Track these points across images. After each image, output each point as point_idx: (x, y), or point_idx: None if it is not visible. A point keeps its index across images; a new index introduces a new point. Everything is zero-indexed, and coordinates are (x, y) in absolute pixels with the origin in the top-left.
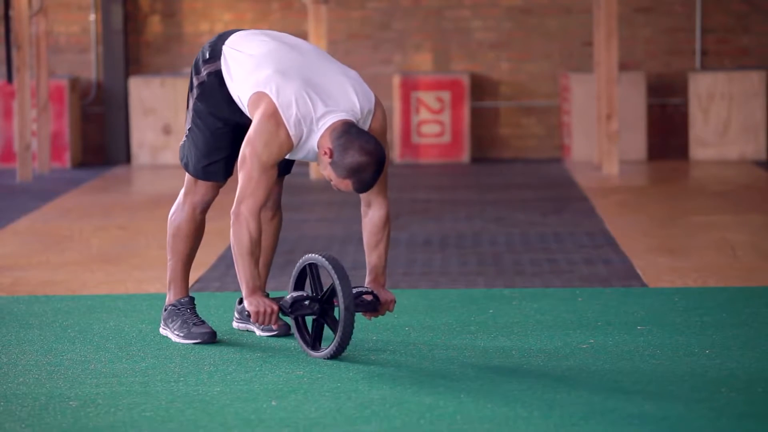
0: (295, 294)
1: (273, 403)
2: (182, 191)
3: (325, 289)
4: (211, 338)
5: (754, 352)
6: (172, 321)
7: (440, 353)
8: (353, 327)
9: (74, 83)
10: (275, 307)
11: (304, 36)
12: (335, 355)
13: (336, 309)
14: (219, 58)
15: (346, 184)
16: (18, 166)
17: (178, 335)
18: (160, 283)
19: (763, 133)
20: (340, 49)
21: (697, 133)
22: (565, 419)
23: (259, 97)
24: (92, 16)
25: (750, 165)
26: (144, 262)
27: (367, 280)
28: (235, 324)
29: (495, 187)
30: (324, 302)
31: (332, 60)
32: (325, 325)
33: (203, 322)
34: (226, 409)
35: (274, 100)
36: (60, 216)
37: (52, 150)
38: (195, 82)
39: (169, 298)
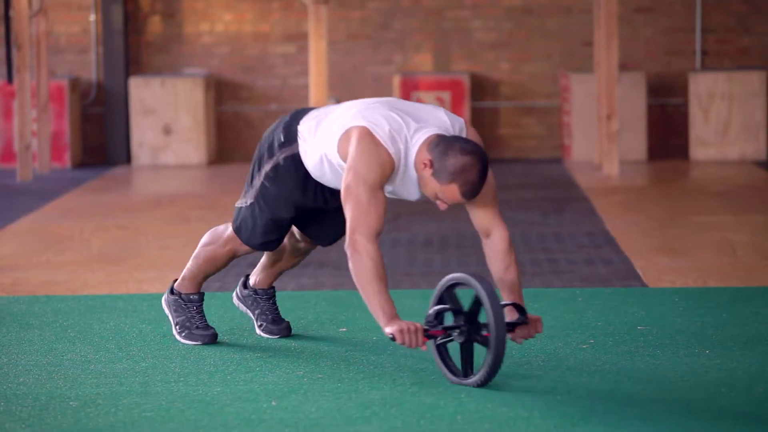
0: (437, 307)
1: (273, 403)
2: (228, 233)
3: (470, 309)
4: (212, 340)
5: (754, 352)
6: (176, 312)
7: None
8: (505, 349)
9: (74, 83)
10: (418, 325)
11: (304, 36)
12: (486, 381)
13: (476, 332)
14: (295, 140)
15: (453, 191)
16: (18, 166)
17: (178, 332)
18: (160, 283)
19: (763, 133)
20: (340, 49)
21: (697, 133)
22: (565, 419)
23: (349, 131)
24: (92, 16)
25: (750, 165)
26: (144, 262)
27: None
28: (235, 300)
29: (495, 187)
30: (469, 314)
31: (413, 102)
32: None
33: (206, 324)
34: (226, 409)
35: (365, 124)
36: (60, 216)
37: (53, 150)
38: (267, 165)
39: (180, 285)
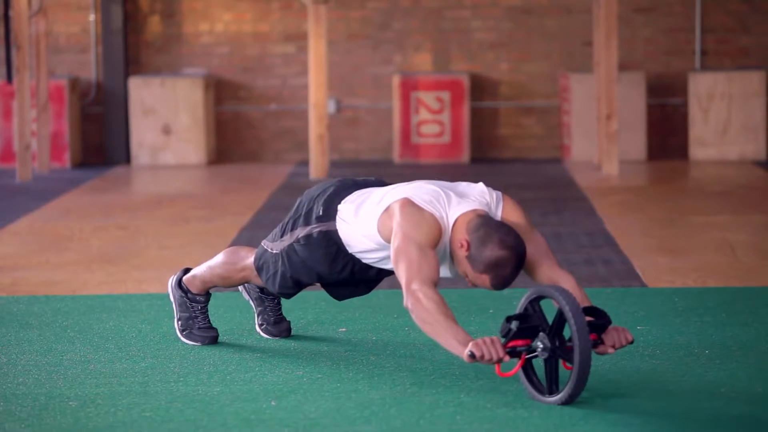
0: (512, 315)
1: (273, 403)
2: (248, 261)
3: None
4: (212, 342)
5: (754, 352)
6: (180, 308)
7: (440, 353)
8: (590, 364)
9: (74, 83)
10: (494, 337)
11: (303, 36)
12: (573, 398)
13: (559, 345)
14: (333, 218)
15: (483, 280)
16: (18, 166)
17: (180, 329)
18: (160, 282)
19: (763, 133)
20: (340, 49)
21: (697, 133)
22: (565, 419)
23: (389, 207)
24: (92, 16)
25: (750, 165)
26: (144, 262)
27: None
28: (240, 288)
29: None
30: (554, 331)
31: None
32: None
33: (209, 325)
34: (226, 409)
35: (405, 196)
36: (60, 216)
37: (52, 150)
38: (301, 232)
39: (190, 281)
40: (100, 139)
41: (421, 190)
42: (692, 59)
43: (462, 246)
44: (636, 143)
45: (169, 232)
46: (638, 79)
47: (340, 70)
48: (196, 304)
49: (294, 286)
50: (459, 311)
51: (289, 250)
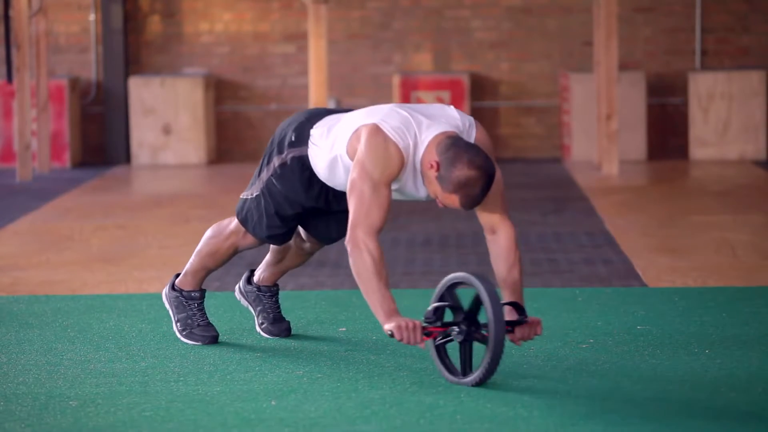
0: (436, 303)
1: (273, 402)
2: (231, 227)
3: (470, 308)
4: (212, 341)
5: (754, 352)
6: (177, 309)
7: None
8: (503, 348)
9: (74, 83)
10: (417, 322)
11: (303, 36)
12: (483, 380)
13: (475, 331)
14: (305, 143)
15: (453, 200)
16: (18, 166)
17: (179, 330)
18: (160, 282)
19: (763, 133)
20: (340, 49)
21: (697, 132)
22: (565, 419)
23: (358, 129)
24: (92, 16)
25: (750, 165)
26: (144, 261)
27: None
28: (237, 294)
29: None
30: (468, 312)
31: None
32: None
33: (208, 323)
34: (226, 408)
35: (374, 122)
36: (60, 216)
37: (52, 150)
38: (276, 161)
39: (182, 281)
40: (100, 138)
41: (391, 117)
42: (692, 59)
43: (432, 166)
44: (636, 143)
45: (169, 232)
46: (638, 79)
47: (340, 70)
48: (192, 301)
49: (281, 223)
50: None
51: (268, 184)
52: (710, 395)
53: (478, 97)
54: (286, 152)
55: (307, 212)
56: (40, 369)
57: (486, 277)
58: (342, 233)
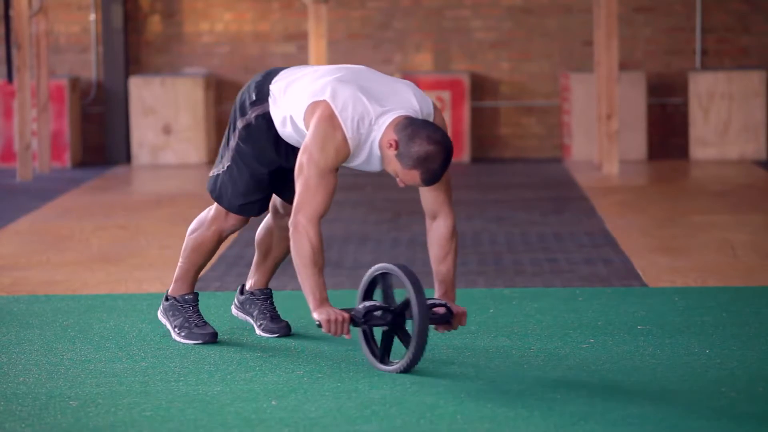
0: (368, 303)
1: (273, 402)
2: (211, 214)
3: (396, 301)
4: (212, 339)
5: (754, 352)
6: (173, 316)
7: (440, 353)
8: (427, 340)
9: (74, 83)
10: (346, 316)
11: (304, 36)
12: (408, 369)
13: (408, 321)
14: (267, 99)
15: (413, 176)
16: (18, 166)
17: (178, 333)
18: (160, 282)
19: (763, 133)
20: (340, 49)
21: (697, 132)
22: (565, 419)
23: (315, 105)
24: (92, 16)
25: (750, 165)
26: (144, 261)
27: (436, 293)
28: (234, 311)
29: (495, 187)
30: (397, 314)
31: (385, 75)
32: (395, 338)
33: (205, 322)
34: (226, 408)
35: (330, 103)
36: (60, 216)
37: (52, 150)
38: (240, 124)
39: (173, 289)
40: (100, 138)
41: (349, 103)
42: (693, 59)
43: (391, 146)
44: (636, 143)
45: (169, 232)
46: (639, 79)
47: None
48: (187, 304)
49: (256, 187)
50: None
51: (237, 150)
52: (710, 395)
53: (479, 97)
54: (249, 112)
55: (278, 173)
56: (41, 369)
57: (408, 268)
58: None
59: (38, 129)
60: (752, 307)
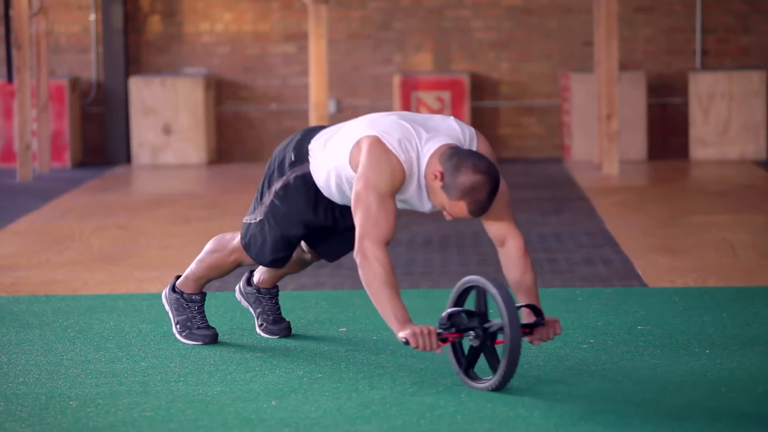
0: (451, 309)
1: (273, 403)
2: (235, 242)
3: (484, 312)
4: (212, 341)
5: (754, 352)
6: (177, 311)
7: (440, 353)
8: (519, 358)
9: (74, 83)
10: (432, 328)
11: (304, 36)
12: (500, 387)
13: (491, 335)
14: (306, 159)
15: (461, 207)
16: (18, 166)
17: (179, 332)
18: (160, 282)
19: (763, 133)
20: (340, 49)
21: (698, 132)
22: (565, 419)
23: (360, 141)
24: (92, 16)
25: (750, 165)
26: (144, 261)
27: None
28: (237, 295)
29: None
30: (483, 323)
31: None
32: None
33: (207, 324)
34: (227, 408)
35: (375, 134)
36: (60, 216)
37: (53, 150)
38: (277, 184)
39: (183, 284)
40: (100, 138)
41: (393, 129)
42: (693, 59)
43: (436, 177)
44: (636, 143)
45: (170, 232)
46: (639, 79)
47: (341, 70)
48: (193, 304)
49: (285, 246)
50: None
51: (271, 208)
52: (710, 395)
53: (479, 97)
54: (288, 173)
55: (312, 231)
56: (41, 369)
57: (499, 280)
58: (347, 250)
59: (38, 129)
60: (752, 307)
